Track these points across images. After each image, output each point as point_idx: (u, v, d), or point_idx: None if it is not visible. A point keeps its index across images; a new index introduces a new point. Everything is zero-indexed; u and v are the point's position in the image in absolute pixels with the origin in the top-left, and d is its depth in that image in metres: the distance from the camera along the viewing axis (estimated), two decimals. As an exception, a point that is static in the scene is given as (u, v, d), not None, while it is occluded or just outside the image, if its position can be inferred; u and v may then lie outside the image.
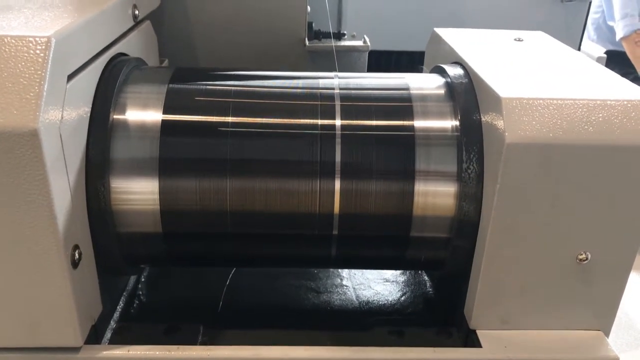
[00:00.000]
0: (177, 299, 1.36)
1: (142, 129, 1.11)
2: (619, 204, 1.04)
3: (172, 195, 1.10)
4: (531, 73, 1.16)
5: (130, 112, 1.12)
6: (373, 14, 2.76)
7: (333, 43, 1.85)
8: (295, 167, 1.12)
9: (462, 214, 1.10)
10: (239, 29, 1.76)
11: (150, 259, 1.26)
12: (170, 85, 1.17)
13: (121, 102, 1.13)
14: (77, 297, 1.03)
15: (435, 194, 1.11)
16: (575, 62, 1.24)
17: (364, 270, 1.46)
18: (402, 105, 1.17)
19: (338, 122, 1.13)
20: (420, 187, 1.11)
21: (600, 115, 1.01)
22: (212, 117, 1.14)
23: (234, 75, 1.26)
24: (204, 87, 1.20)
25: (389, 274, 1.45)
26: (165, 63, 1.67)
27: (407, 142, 1.12)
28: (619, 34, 4.21)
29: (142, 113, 1.13)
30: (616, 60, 4.09)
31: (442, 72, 1.25)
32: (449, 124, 1.14)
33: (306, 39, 1.79)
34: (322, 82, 1.21)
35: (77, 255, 1.02)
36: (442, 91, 1.19)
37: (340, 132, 1.12)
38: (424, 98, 1.18)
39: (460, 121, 1.12)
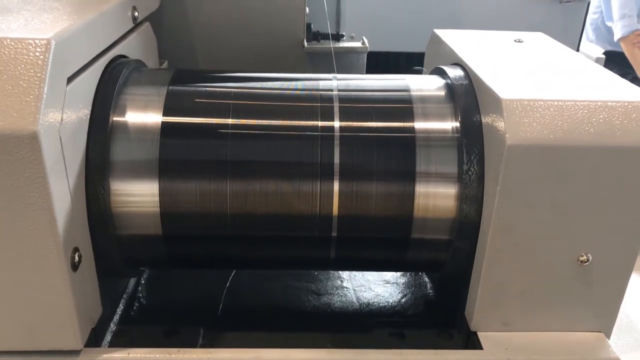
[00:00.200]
0: (177, 302, 1.36)
1: (142, 131, 1.11)
2: (620, 205, 1.04)
3: (172, 197, 1.10)
4: (531, 74, 1.16)
5: (130, 114, 1.12)
6: (372, 15, 2.76)
7: (332, 44, 1.85)
8: (294, 169, 1.12)
9: (463, 215, 1.10)
10: (238, 31, 1.76)
11: (151, 261, 1.26)
12: (170, 87, 1.16)
13: (121, 104, 1.13)
14: (77, 300, 1.03)
15: (435, 196, 1.11)
16: (575, 63, 1.24)
17: (365, 272, 1.45)
18: (403, 106, 1.17)
19: (336, 124, 1.13)
20: (421, 189, 1.11)
21: (601, 116, 1.01)
22: (212, 119, 1.13)
23: (234, 77, 1.25)
24: (204, 89, 1.20)
25: (390, 275, 1.45)
26: (165, 64, 1.67)
27: (407, 143, 1.12)
28: (617, 35, 4.22)
29: (142, 115, 1.12)
30: (615, 61, 4.10)
31: (442, 74, 1.25)
32: (450, 125, 1.14)
33: (305, 40, 1.79)
34: (321, 84, 1.21)
35: (77, 257, 1.02)
36: (442, 93, 1.19)
37: (339, 133, 1.12)
38: (424, 99, 1.18)
39: (461, 123, 1.12)
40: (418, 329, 1.26)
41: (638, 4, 4.22)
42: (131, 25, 1.35)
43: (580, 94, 1.04)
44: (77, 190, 1.03)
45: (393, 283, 1.42)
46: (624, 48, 4.24)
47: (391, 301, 1.36)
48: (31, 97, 0.89)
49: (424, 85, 1.22)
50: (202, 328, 1.22)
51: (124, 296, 1.31)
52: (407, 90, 1.20)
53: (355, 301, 1.36)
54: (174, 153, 1.11)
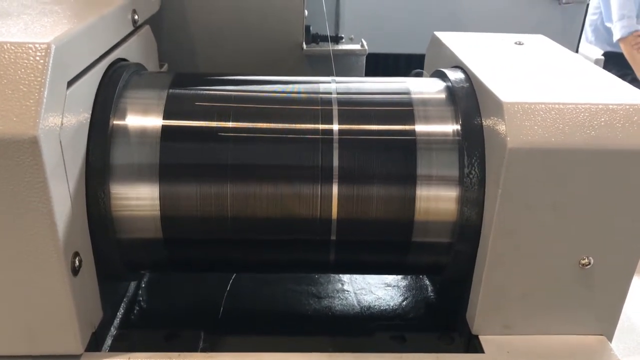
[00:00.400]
0: (177, 305, 1.35)
1: (142, 134, 1.11)
2: (622, 208, 1.03)
3: (173, 200, 1.10)
4: (532, 77, 1.16)
5: (131, 117, 1.12)
6: (371, 16, 2.76)
7: (330, 47, 1.85)
8: (294, 172, 1.12)
9: (464, 218, 1.10)
10: (237, 33, 1.76)
11: (151, 264, 1.25)
12: (171, 91, 1.16)
13: (121, 107, 1.12)
14: (78, 304, 1.02)
15: (437, 199, 1.11)
16: (576, 66, 1.24)
17: (365, 275, 1.45)
18: (403, 109, 1.17)
19: (335, 127, 1.12)
20: (422, 192, 1.10)
21: (602, 119, 1.01)
22: (212, 123, 1.13)
23: (233, 80, 1.25)
24: (204, 92, 1.20)
25: (390, 278, 1.44)
26: (165, 67, 1.66)
27: (408, 146, 1.12)
28: (617, 35, 4.22)
29: (142, 118, 1.12)
30: (614, 62, 4.10)
31: (442, 76, 1.25)
32: (451, 128, 1.13)
33: (304, 42, 1.79)
34: (321, 87, 1.21)
35: (77, 262, 1.02)
36: (443, 95, 1.19)
37: (338, 136, 1.12)
38: (425, 102, 1.17)
39: (462, 126, 1.12)
40: (419, 332, 1.25)
41: (637, 4, 4.22)
42: (131, 28, 1.35)
43: (582, 97, 1.04)
44: (78, 194, 1.03)
45: (394, 286, 1.42)
46: (623, 49, 4.24)
47: (392, 304, 1.36)
48: (31, 101, 0.89)
49: (424, 88, 1.22)
50: (203, 332, 1.22)
51: (125, 300, 1.31)
52: (408, 93, 1.20)
53: (356, 304, 1.36)
54: (174, 156, 1.11)
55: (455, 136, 1.12)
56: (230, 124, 1.12)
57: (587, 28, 4.37)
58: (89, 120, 1.07)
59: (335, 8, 2.34)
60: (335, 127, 1.13)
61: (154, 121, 1.12)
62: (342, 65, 1.91)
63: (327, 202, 1.10)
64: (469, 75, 1.20)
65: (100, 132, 1.08)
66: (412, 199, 1.10)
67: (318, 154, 1.11)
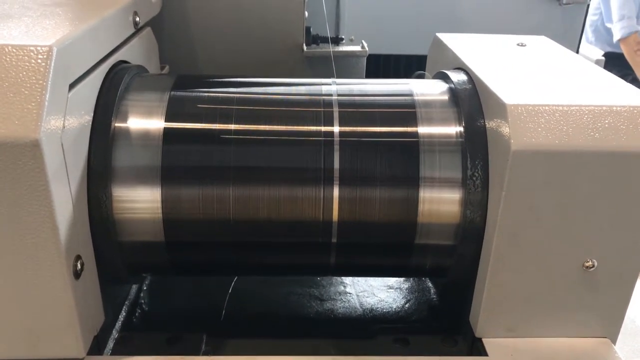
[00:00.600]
0: (179, 308, 1.35)
1: (144, 137, 1.11)
2: (626, 210, 1.03)
3: (175, 203, 1.10)
4: (535, 79, 1.15)
5: (132, 120, 1.12)
6: (372, 17, 2.76)
7: (331, 48, 1.85)
8: (296, 175, 1.11)
9: (467, 221, 1.09)
10: (238, 35, 1.76)
11: (153, 267, 1.25)
12: (172, 93, 1.16)
13: (123, 110, 1.12)
14: (79, 308, 1.02)
15: (440, 201, 1.11)
16: (578, 67, 1.24)
17: (368, 278, 1.45)
18: (406, 111, 1.16)
19: (336, 129, 1.12)
20: (425, 194, 1.10)
21: (607, 121, 1.00)
22: (214, 125, 1.13)
23: (235, 82, 1.25)
24: (206, 94, 1.20)
25: (393, 281, 1.44)
26: (166, 69, 1.66)
27: (411, 148, 1.11)
28: (617, 36, 4.22)
29: (144, 121, 1.12)
30: (614, 62, 4.11)
31: (445, 78, 1.24)
32: (454, 130, 1.13)
33: (304, 44, 1.79)
34: (324, 89, 1.21)
35: (79, 265, 1.01)
36: (446, 97, 1.19)
37: (341, 138, 1.11)
38: (428, 104, 1.17)
39: (465, 128, 1.11)
40: (422, 334, 1.25)
41: (637, 5, 4.23)
42: (132, 30, 1.34)
43: (585, 99, 1.04)
44: (79, 197, 1.02)
45: (396, 288, 1.42)
46: (624, 49, 4.25)
47: (395, 307, 1.35)
48: (33, 104, 0.88)
49: (427, 89, 1.22)
50: (205, 335, 1.21)
51: (126, 303, 1.30)
52: (411, 95, 1.19)
53: (358, 307, 1.35)
54: (176, 159, 1.10)
55: (459, 138, 1.12)
56: (232, 126, 1.12)
57: (588, 29, 4.37)
58: (90, 123, 1.07)
59: (335, 9, 2.34)
60: (336, 129, 1.12)
61: (156, 123, 1.11)
62: (343, 66, 1.91)
63: (328, 205, 1.10)
64: (471, 77, 1.19)
65: (102, 135, 1.07)
66: (415, 201, 1.10)
67: (318, 156, 1.10)
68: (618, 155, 0.99)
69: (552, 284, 1.09)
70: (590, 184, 1.01)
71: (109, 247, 1.10)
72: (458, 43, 1.39)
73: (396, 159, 1.11)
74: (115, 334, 1.21)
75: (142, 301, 1.34)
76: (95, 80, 1.10)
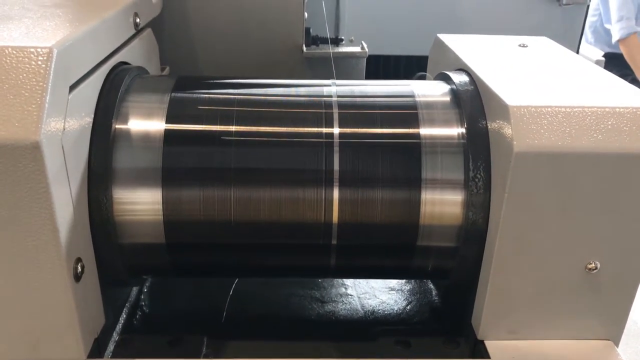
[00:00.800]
0: (180, 310, 1.34)
1: (145, 138, 1.10)
2: (629, 212, 1.03)
3: (176, 205, 1.09)
4: (537, 80, 1.15)
5: (133, 121, 1.11)
6: (371, 17, 2.76)
7: (330, 49, 1.84)
8: (297, 176, 1.11)
9: (470, 222, 1.09)
10: (238, 36, 1.76)
11: (154, 269, 1.25)
12: (173, 94, 1.15)
13: (123, 111, 1.12)
14: (80, 311, 1.02)
15: (442, 203, 1.10)
16: (581, 68, 1.23)
17: (369, 280, 1.44)
18: (408, 112, 1.16)
19: (337, 131, 1.12)
20: (427, 196, 1.10)
21: (609, 122, 1.00)
22: (215, 127, 1.12)
23: (236, 83, 1.25)
24: (207, 96, 1.19)
25: (394, 282, 1.44)
26: (166, 70, 1.66)
27: (413, 150, 1.11)
28: (615, 37, 4.22)
29: (145, 122, 1.11)
30: (614, 63, 4.11)
31: (446, 79, 1.24)
32: (455, 131, 1.13)
33: (304, 45, 1.79)
34: (325, 90, 1.20)
35: (79, 268, 1.01)
36: (447, 98, 1.18)
37: (344, 140, 1.11)
38: (429, 105, 1.17)
39: (467, 129, 1.11)
40: (424, 336, 1.24)
41: (636, 6, 4.23)
42: (133, 31, 1.34)
43: (588, 100, 1.03)
44: (80, 199, 1.02)
45: (398, 290, 1.41)
46: (623, 50, 4.25)
47: (396, 309, 1.35)
48: (33, 106, 0.88)
49: (429, 91, 1.21)
50: (206, 337, 1.21)
51: (127, 305, 1.30)
52: (412, 96, 1.19)
53: (359, 309, 1.35)
54: (177, 161, 1.10)
55: (461, 139, 1.11)
56: (233, 128, 1.11)
57: (587, 30, 4.37)
58: (91, 125, 1.06)
59: (335, 10, 2.33)
60: (336, 130, 1.12)
61: (157, 125, 1.11)
62: (343, 67, 1.91)
63: (328, 206, 1.10)
64: (473, 78, 1.19)
65: (103, 137, 1.07)
66: (417, 203, 1.10)
67: (318, 158, 1.10)
68: (621, 157, 0.99)
69: (555, 286, 1.09)
70: (593, 186, 1.00)
71: (110, 249, 1.09)
72: (459, 44, 1.39)
73: (398, 160, 1.11)
74: (115, 336, 1.21)
75: (143, 303, 1.34)
76: (95, 82, 1.09)
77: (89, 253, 1.06)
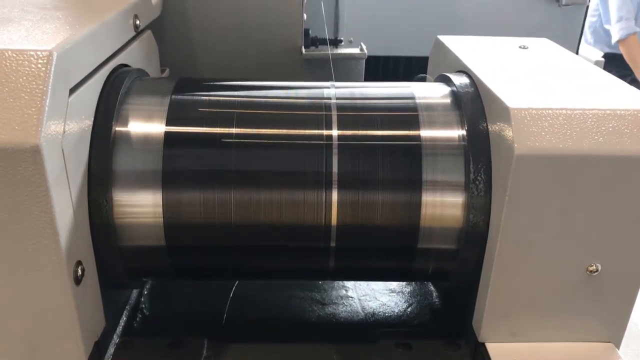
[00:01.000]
0: (180, 312, 1.34)
1: (145, 141, 1.10)
2: (630, 214, 1.03)
3: (176, 207, 1.09)
4: (538, 82, 1.15)
5: (133, 124, 1.11)
6: (371, 18, 2.75)
7: (329, 51, 1.84)
8: (296, 179, 1.11)
9: (470, 225, 1.09)
10: (237, 37, 1.76)
11: (154, 272, 1.24)
12: (173, 97, 1.15)
13: (123, 114, 1.11)
14: (80, 314, 1.01)
15: (443, 205, 1.10)
16: (581, 70, 1.23)
17: (370, 282, 1.44)
18: (408, 114, 1.16)
19: (335, 133, 1.12)
20: (428, 198, 1.10)
21: (610, 125, 1.00)
22: (215, 129, 1.12)
23: (236, 86, 1.24)
24: (207, 98, 1.19)
25: (395, 284, 1.43)
26: (166, 72, 1.66)
27: (413, 152, 1.11)
28: (615, 37, 4.23)
29: (145, 125, 1.11)
30: (613, 63, 4.11)
31: (447, 81, 1.24)
32: (456, 133, 1.12)
33: (303, 47, 1.79)
34: (325, 92, 1.20)
35: (79, 271, 1.01)
36: (448, 100, 1.18)
37: (343, 142, 1.11)
38: (430, 107, 1.17)
39: (467, 131, 1.11)
40: (424, 339, 1.24)
41: (635, 6, 4.23)
42: (133, 33, 1.33)
43: (589, 102, 1.03)
44: (80, 202, 1.02)
45: (398, 292, 1.41)
46: (623, 50, 4.25)
47: (397, 311, 1.35)
48: (33, 109, 0.88)
49: (429, 93, 1.21)
50: (207, 339, 1.21)
51: (127, 307, 1.30)
52: (413, 98, 1.19)
53: (360, 311, 1.35)
54: (177, 163, 1.10)
55: (461, 141, 1.11)
56: (234, 130, 1.11)
57: (586, 30, 4.37)
58: (91, 127, 1.06)
59: (334, 11, 2.33)
60: (335, 132, 1.12)
61: (157, 127, 1.11)
62: (342, 69, 1.91)
63: (327, 209, 1.09)
64: (473, 80, 1.19)
65: (103, 139, 1.07)
66: (418, 205, 1.09)
67: (317, 160, 1.10)
68: (622, 159, 0.99)
69: (556, 288, 1.08)
70: (594, 188, 1.00)
71: (110, 252, 1.09)
72: (460, 45, 1.38)
73: (398, 162, 1.11)
74: (116, 339, 1.20)
75: (143, 306, 1.34)
76: (95, 85, 1.09)
77: (89, 256, 1.06)
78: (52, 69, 0.91)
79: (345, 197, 1.09)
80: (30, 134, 0.86)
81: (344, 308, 1.35)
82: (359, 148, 1.12)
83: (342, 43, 2.09)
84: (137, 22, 1.35)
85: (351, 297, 1.39)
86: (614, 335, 1.13)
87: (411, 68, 2.75)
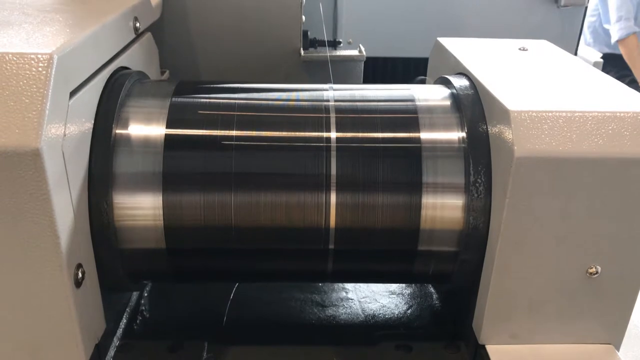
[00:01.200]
0: (180, 315, 1.34)
1: (145, 143, 1.10)
2: (630, 216, 1.03)
3: (176, 210, 1.09)
4: (538, 84, 1.15)
5: (133, 126, 1.11)
6: (369, 20, 2.75)
7: (328, 53, 1.84)
8: (296, 181, 1.11)
9: (471, 227, 1.09)
10: (236, 39, 1.76)
11: (154, 275, 1.24)
12: (173, 99, 1.15)
13: (124, 116, 1.11)
14: (81, 316, 1.02)
15: (443, 207, 1.10)
16: (581, 72, 1.23)
17: (370, 284, 1.44)
18: (408, 117, 1.16)
19: (334, 135, 1.12)
20: (428, 200, 1.10)
21: (610, 127, 1.00)
22: (216, 131, 1.12)
23: (236, 88, 1.24)
24: (207, 100, 1.19)
25: (395, 286, 1.43)
26: (166, 74, 1.66)
27: (414, 154, 1.11)
28: (614, 37, 4.23)
29: (145, 127, 1.11)
30: (612, 64, 4.11)
31: (447, 83, 1.24)
32: (456, 135, 1.13)
33: (301, 48, 1.79)
34: (325, 95, 1.20)
35: (80, 274, 1.01)
36: (448, 103, 1.18)
37: (341, 144, 1.11)
38: (430, 110, 1.17)
39: (467, 133, 1.11)
40: (425, 341, 1.24)
41: (635, 6, 4.23)
42: (133, 36, 1.33)
43: (589, 105, 1.03)
44: (80, 205, 1.02)
45: (398, 294, 1.41)
46: (622, 50, 4.25)
47: (397, 312, 1.35)
48: (33, 113, 0.88)
49: (429, 95, 1.21)
50: (207, 342, 1.21)
51: (127, 310, 1.30)
52: (413, 100, 1.19)
53: (360, 313, 1.35)
54: (177, 166, 1.10)
55: (461, 144, 1.11)
56: (234, 133, 1.11)
57: (586, 30, 4.38)
58: (91, 130, 1.06)
59: (332, 12, 2.33)
60: (333, 135, 1.12)
61: (157, 130, 1.11)
62: (340, 71, 1.90)
63: (326, 211, 1.09)
64: (473, 82, 1.19)
65: (103, 142, 1.07)
66: (419, 207, 1.10)
67: (316, 162, 1.10)
68: (622, 162, 0.99)
69: (556, 291, 1.09)
70: (594, 190, 1.01)
71: (110, 255, 1.09)
72: (459, 48, 1.39)
73: (398, 164, 1.11)
74: (116, 341, 1.20)
75: (143, 308, 1.34)
76: (96, 87, 1.09)
77: (89, 259, 1.06)
78: (53, 72, 0.91)
79: (344, 200, 1.09)
80: (30, 138, 0.86)
81: (344, 310, 1.35)
82: (357, 150, 1.12)
83: (341, 45, 2.09)
84: (137, 24, 1.35)
85: (351, 299, 1.39)
86: (614, 337, 1.13)
87: (410, 69, 2.75)
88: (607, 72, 1.24)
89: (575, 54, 2.89)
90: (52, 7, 1.25)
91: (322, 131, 1.12)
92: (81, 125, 1.02)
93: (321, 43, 1.94)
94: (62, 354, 1.03)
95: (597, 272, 1.06)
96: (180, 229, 1.10)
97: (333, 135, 1.12)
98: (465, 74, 1.24)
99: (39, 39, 1.01)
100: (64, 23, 1.12)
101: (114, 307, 1.21)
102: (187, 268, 1.20)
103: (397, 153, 1.12)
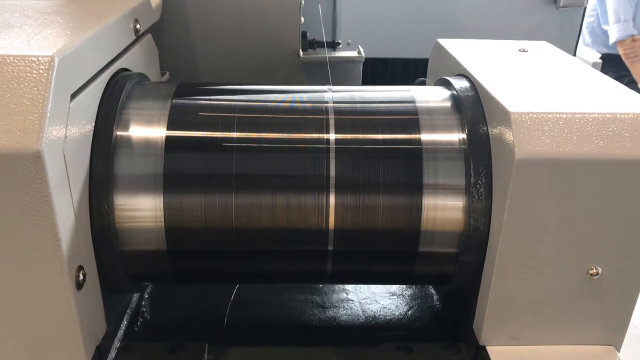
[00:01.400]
0: (181, 316, 1.34)
1: (146, 145, 1.10)
2: (630, 218, 1.03)
3: (177, 212, 1.09)
4: (538, 86, 1.15)
5: (134, 128, 1.11)
6: (368, 21, 2.76)
7: (327, 54, 1.84)
8: (296, 182, 1.11)
9: (471, 228, 1.09)
10: (236, 41, 1.76)
11: (155, 276, 1.24)
12: (174, 101, 1.15)
13: (124, 118, 1.11)
14: (82, 319, 1.02)
15: (443, 209, 1.10)
16: (581, 74, 1.24)
17: (370, 285, 1.44)
18: (408, 118, 1.16)
19: (333, 137, 1.12)
20: (429, 202, 1.10)
21: (611, 129, 1.00)
22: (216, 133, 1.12)
23: (236, 89, 1.24)
24: (208, 102, 1.20)
25: (396, 287, 1.43)
26: (167, 76, 1.66)
27: (414, 155, 1.11)
28: (613, 38, 4.24)
29: (146, 129, 1.11)
30: (611, 64, 4.12)
31: (447, 85, 1.24)
32: (457, 137, 1.13)
33: (300, 50, 1.79)
34: (326, 96, 1.20)
35: (81, 276, 1.01)
36: (448, 104, 1.18)
37: (341, 146, 1.11)
38: (430, 111, 1.17)
39: (468, 135, 1.11)
40: (425, 342, 1.24)
41: (633, 7, 4.24)
42: (133, 38, 1.34)
43: (589, 106, 1.03)
44: (81, 207, 1.02)
45: (399, 295, 1.41)
46: (621, 51, 4.26)
47: (397, 314, 1.35)
48: (35, 115, 0.88)
49: (429, 96, 1.21)
50: (208, 343, 1.21)
51: (128, 311, 1.30)
52: (413, 102, 1.19)
53: (361, 314, 1.35)
54: (178, 167, 1.10)
55: (462, 145, 1.11)
56: (235, 134, 1.11)
57: (584, 30, 4.38)
58: (92, 132, 1.06)
59: (331, 14, 2.33)
60: (332, 136, 1.12)
61: (158, 132, 1.11)
62: (339, 72, 1.91)
63: (326, 213, 1.10)
64: (474, 84, 1.19)
65: (104, 144, 1.07)
66: (419, 209, 1.10)
67: (316, 164, 1.10)
68: (622, 163, 0.99)
69: (557, 292, 1.09)
70: (594, 192, 1.01)
71: (111, 257, 1.09)
72: (459, 49, 1.39)
73: (399, 166, 1.11)
74: (117, 343, 1.20)
75: (144, 310, 1.34)
76: (96, 89, 1.09)
77: (90, 261, 1.06)
78: (54, 75, 0.91)
79: (343, 201, 1.09)
80: (31, 140, 0.86)
81: (345, 311, 1.35)
82: (357, 152, 1.12)
83: (340, 46, 2.09)
84: (138, 26, 1.36)
85: (352, 300, 1.39)
86: (615, 338, 1.14)
87: (409, 70, 2.75)
88: (606, 73, 1.25)
89: (574, 54, 2.89)
90: (53, 9, 1.25)
91: (321, 133, 1.12)
92: (82, 127, 1.02)
93: (320, 44, 1.94)
94: (63, 355, 1.03)
95: (597, 274, 1.06)
96: (181, 231, 1.10)
97: (332, 136, 1.12)
98: (465, 75, 1.25)
99: (40, 41, 1.01)
100: (65, 25, 1.12)
101: (115, 309, 1.21)
102: (187, 269, 1.20)
103: (398, 154, 1.13)
